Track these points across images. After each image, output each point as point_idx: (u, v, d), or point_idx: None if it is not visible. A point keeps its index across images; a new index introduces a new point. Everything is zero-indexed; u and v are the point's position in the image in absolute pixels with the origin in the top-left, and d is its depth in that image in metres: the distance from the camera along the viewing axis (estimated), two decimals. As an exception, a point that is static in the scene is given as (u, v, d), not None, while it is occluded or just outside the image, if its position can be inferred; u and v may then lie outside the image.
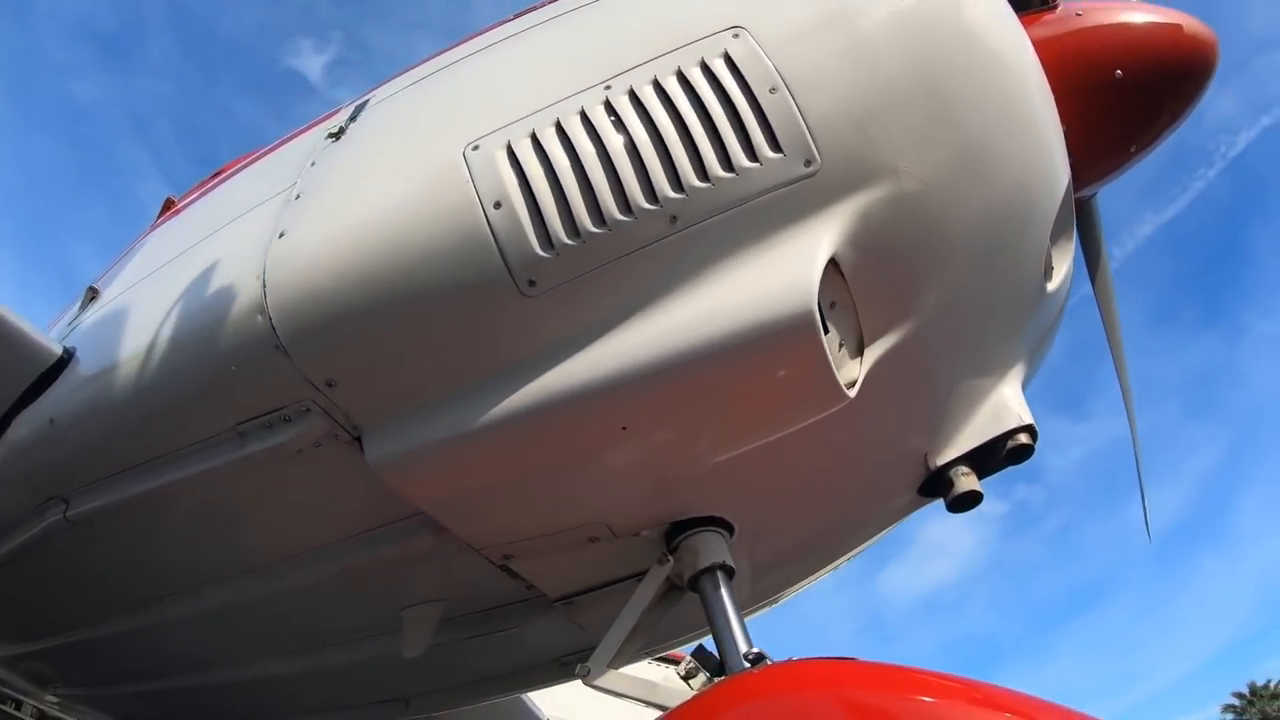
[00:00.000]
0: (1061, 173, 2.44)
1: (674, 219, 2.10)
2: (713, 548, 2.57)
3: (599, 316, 2.20)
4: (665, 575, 2.62)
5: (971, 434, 2.63)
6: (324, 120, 3.23)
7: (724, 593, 2.48)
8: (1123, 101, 2.57)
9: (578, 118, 2.18)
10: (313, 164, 2.74)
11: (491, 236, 2.17)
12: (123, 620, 4.09)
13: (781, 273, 2.07)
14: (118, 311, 3.35)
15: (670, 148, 2.10)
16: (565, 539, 2.72)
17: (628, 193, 2.09)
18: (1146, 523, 3.58)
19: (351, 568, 3.15)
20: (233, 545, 3.47)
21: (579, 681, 2.70)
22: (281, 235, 2.51)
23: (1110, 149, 2.69)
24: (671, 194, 2.08)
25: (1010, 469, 2.64)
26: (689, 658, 2.57)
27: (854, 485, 2.91)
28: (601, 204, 2.11)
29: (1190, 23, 2.58)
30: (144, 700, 5.28)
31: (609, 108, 2.17)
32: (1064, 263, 2.68)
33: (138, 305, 3.19)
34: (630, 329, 2.18)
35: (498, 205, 2.16)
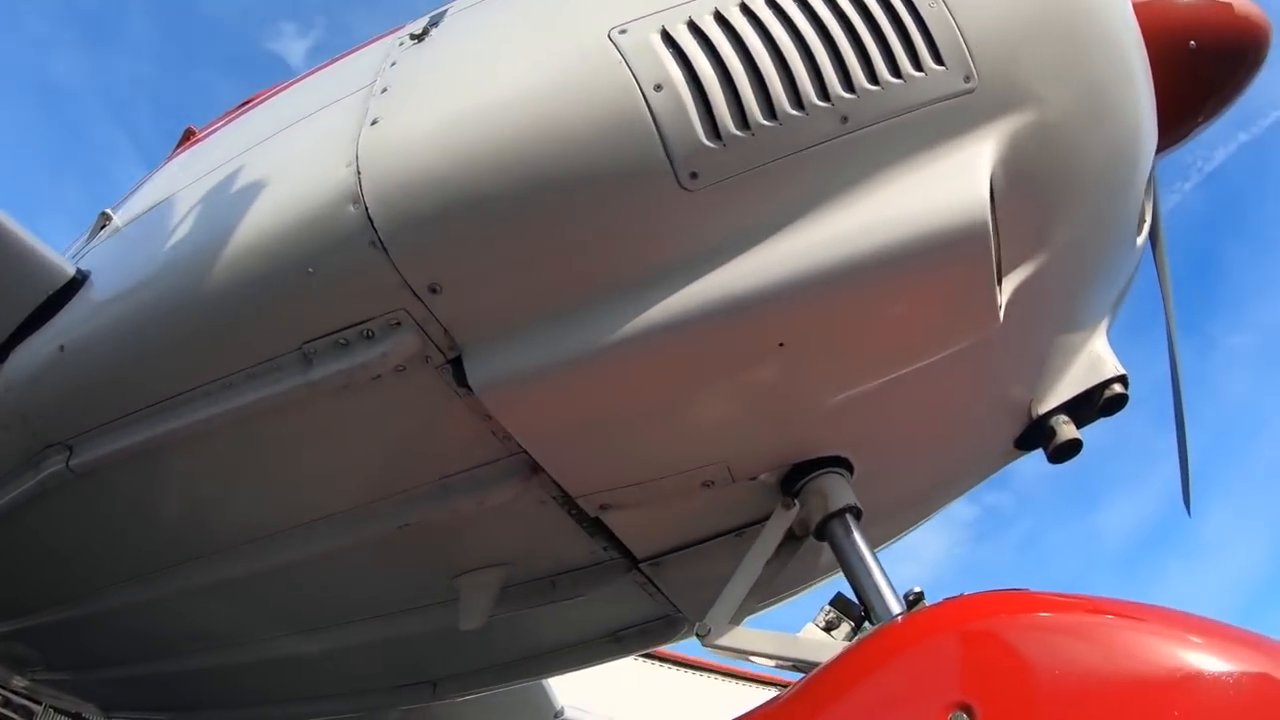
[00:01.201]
0: (1154, 130, 2.46)
1: (844, 119, 1.99)
2: (840, 490, 2.41)
3: (763, 219, 2.03)
4: (790, 521, 2.43)
5: (1071, 383, 2.59)
6: (377, 40, 2.88)
7: (857, 536, 2.32)
8: (1193, 72, 2.60)
9: (738, 8, 2.02)
10: (394, 64, 2.43)
11: (651, 120, 1.96)
12: (126, 593, 3.63)
13: (950, 185, 2.00)
14: (145, 228, 2.92)
15: (839, 45, 2.00)
16: (677, 484, 2.48)
17: (799, 86, 1.97)
18: (1187, 496, 3.36)
19: (413, 526, 2.78)
20: (267, 501, 3.05)
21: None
22: (375, 123, 2.20)
23: (1177, 119, 2.69)
24: (843, 93, 1.98)
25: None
26: (828, 608, 2.30)
27: (963, 433, 2.79)
28: (773, 95, 1.97)
29: (1244, 2, 2.64)
30: (132, 686, 4.80)
31: (770, 1, 2.02)
32: (1147, 219, 2.68)
33: (170, 220, 2.76)
34: (793, 235, 2.02)
35: (658, 88, 1.97)
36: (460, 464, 2.61)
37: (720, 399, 2.26)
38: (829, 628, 2.26)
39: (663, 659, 13.42)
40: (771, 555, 2.41)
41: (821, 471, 2.44)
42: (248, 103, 3.80)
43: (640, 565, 2.92)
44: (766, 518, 2.56)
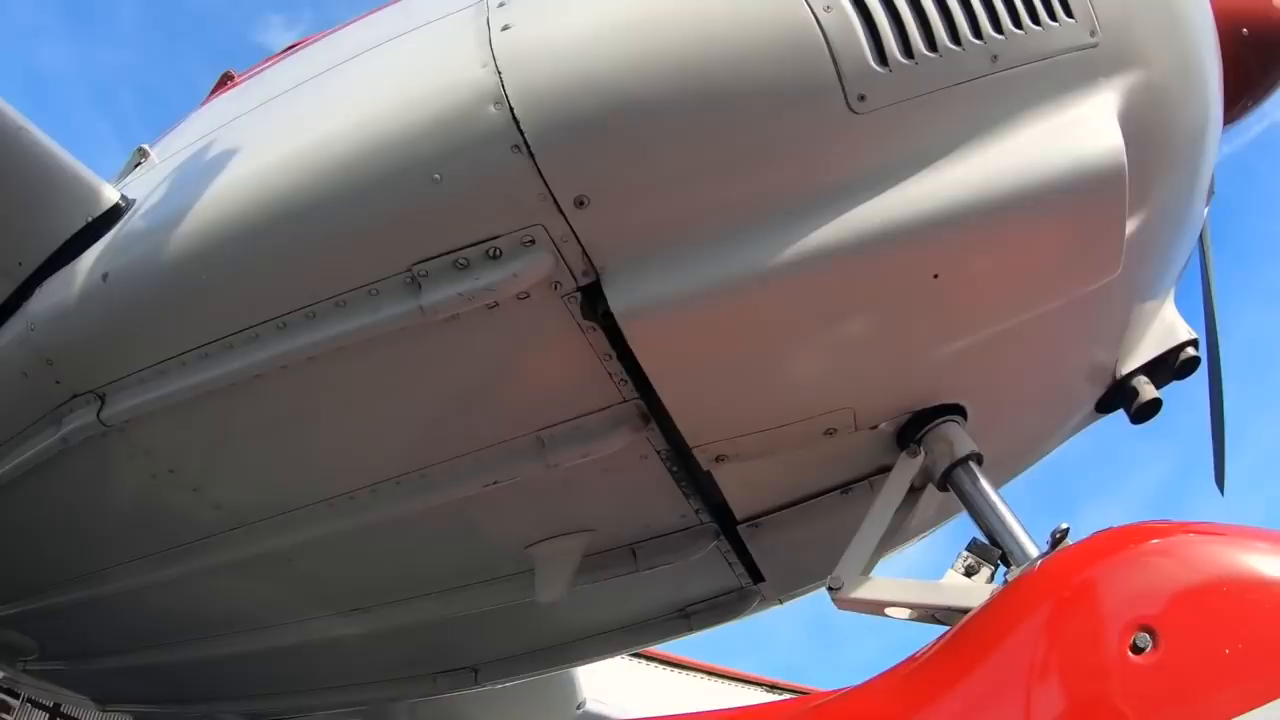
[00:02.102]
0: (1221, 104, 2.54)
1: (994, 58, 2.01)
2: (961, 437, 2.38)
3: (921, 148, 2.02)
4: (916, 469, 2.39)
5: (1150, 345, 2.67)
6: None
7: (984, 481, 2.29)
8: (1245, 58, 2.66)
9: None
10: None
11: (823, 38, 1.92)
12: (147, 571, 3.29)
13: (1087, 130, 2.05)
14: (199, 154, 2.57)
15: None
16: (801, 431, 2.38)
17: (956, 22, 1.99)
18: (1220, 475, 3.40)
19: (498, 486, 2.57)
20: (329, 460, 2.74)
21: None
22: (507, 28, 2.03)
23: (1229, 102, 2.74)
24: (993, 32, 2.00)
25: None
26: (966, 554, 2.19)
27: (1060, 389, 2.79)
28: (933, 27, 1.98)
29: None
30: (134, 676, 4.42)
31: None
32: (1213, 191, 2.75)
33: (236, 143, 2.45)
34: (949, 167, 2.02)
35: (828, 9, 1.93)
36: (566, 411, 2.41)
37: (865, 335, 2.20)
38: (969, 573, 2.18)
39: (650, 658, 13.20)
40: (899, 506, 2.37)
41: (942, 420, 2.40)
42: (293, 47, 3.51)
43: (739, 526, 2.77)
44: (873, 473, 2.57)
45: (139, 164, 3.08)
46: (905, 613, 2.22)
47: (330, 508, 2.83)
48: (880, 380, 2.33)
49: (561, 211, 1.95)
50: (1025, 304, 2.27)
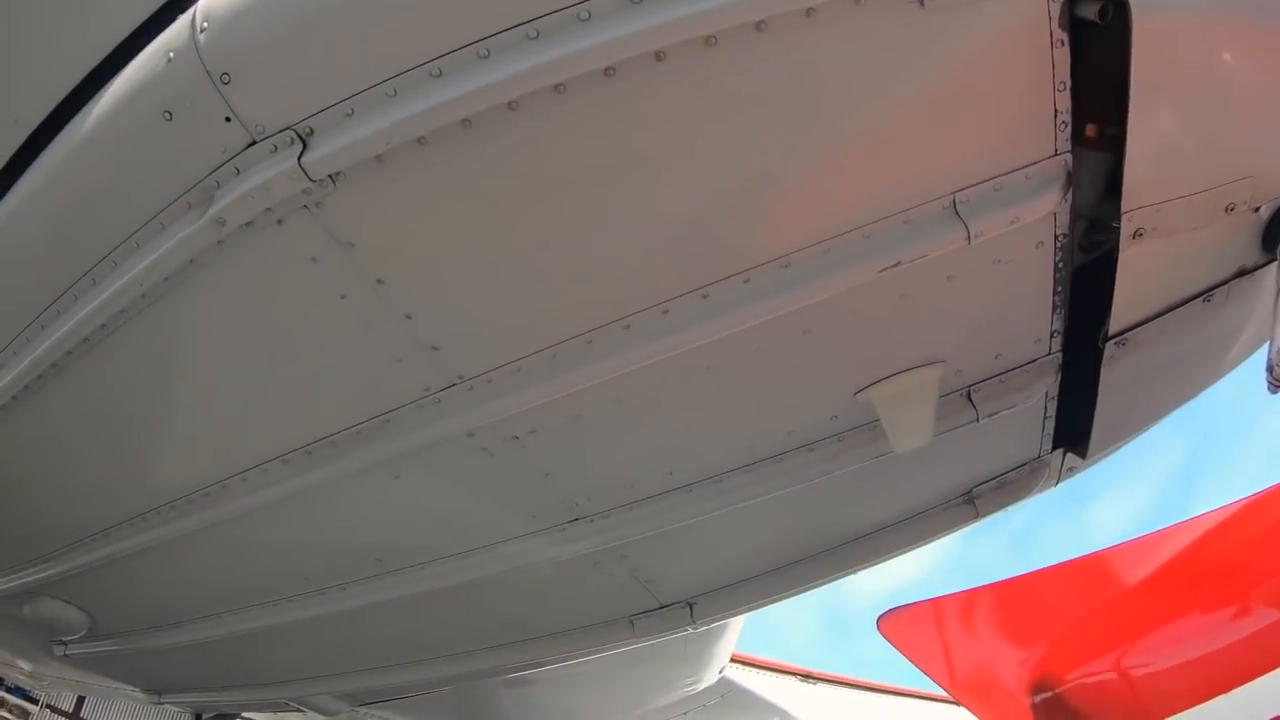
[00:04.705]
0: None
1: None
2: None
3: None
4: None
5: None
6: None
7: None
8: None
9: None
10: None
11: None
12: (252, 490, 2.58)
13: None
14: None
15: None
16: (1206, 204, 2.07)
17: None
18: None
19: (904, 266, 2.00)
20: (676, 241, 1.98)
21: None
22: None
23: None
24: None
25: None
26: None
27: None
28: None
29: None
30: (197, 656, 3.54)
31: None
32: None
33: None
34: None
35: None
36: (984, 168, 1.92)
37: None
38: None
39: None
40: None
41: None
42: None
43: (1109, 343, 2.36)
44: (1231, 277, 2.30)
45: None
46: None
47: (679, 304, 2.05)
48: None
49: None
50: None
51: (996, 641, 3.53)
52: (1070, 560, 3.32)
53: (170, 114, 1.78)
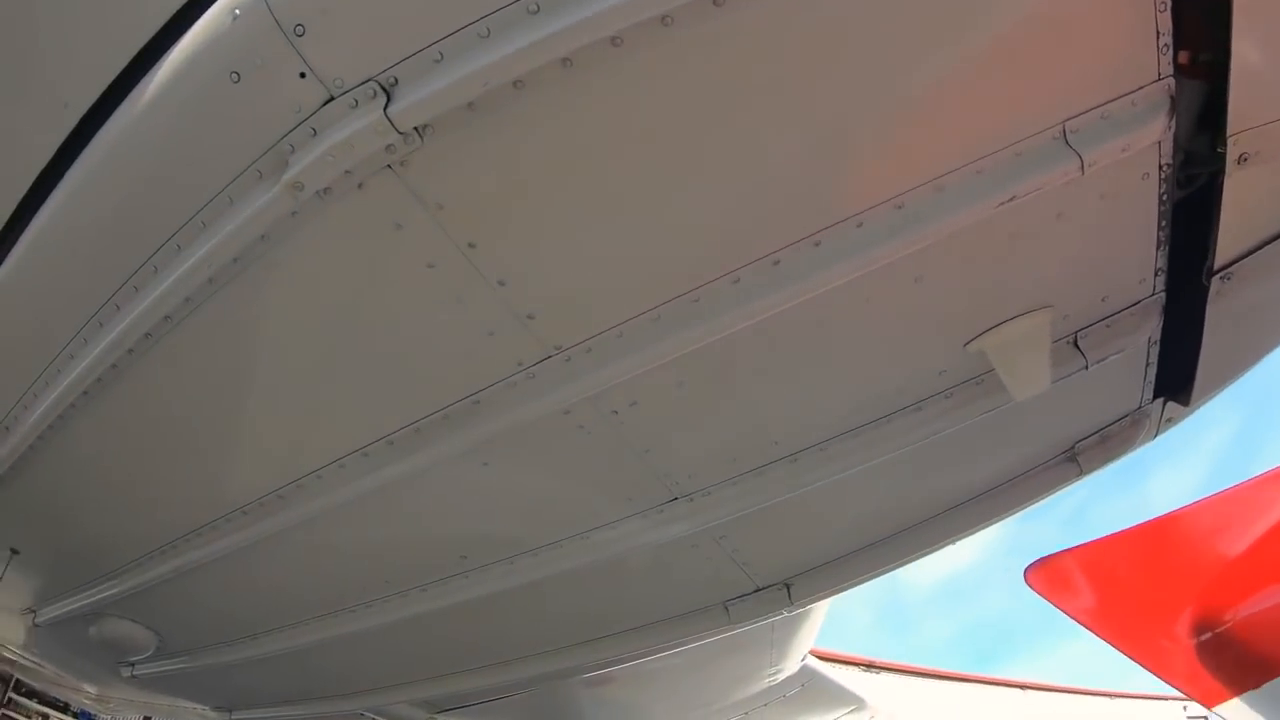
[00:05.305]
0: None
1: None
2: None
3: None
4: None
5: None
6: None
7: None
8: None
9: None
10: None
11: None
12: (336, 485, 2.43)
13: None
14: None
15: None
16: None
17: None
18: None
19: (1020, 200, 1.86)
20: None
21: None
22: None
23: None
24: None
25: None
26: None
27: None
28: None
29: None
30: (268, 670, 3.40)
31: None
32: None
33: None
34: None
35: None
36: (1092, 95, 1.80)
37: None
38: None
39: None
40: None
41: None
42: None
43: (1215, 275, 2.23)
44: None
45: None
46: None
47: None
48: None
49: None
50: None
51: (1152, 583, 3.40)
52: (1223, 491, 3.15)
53: (238, 74, 1.64)
